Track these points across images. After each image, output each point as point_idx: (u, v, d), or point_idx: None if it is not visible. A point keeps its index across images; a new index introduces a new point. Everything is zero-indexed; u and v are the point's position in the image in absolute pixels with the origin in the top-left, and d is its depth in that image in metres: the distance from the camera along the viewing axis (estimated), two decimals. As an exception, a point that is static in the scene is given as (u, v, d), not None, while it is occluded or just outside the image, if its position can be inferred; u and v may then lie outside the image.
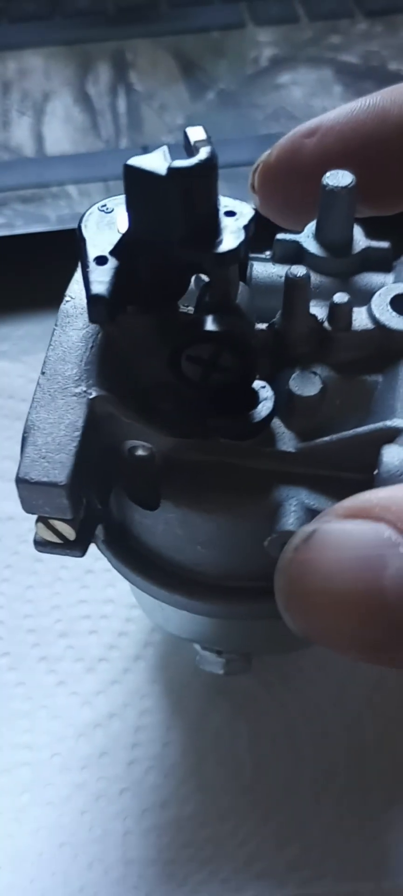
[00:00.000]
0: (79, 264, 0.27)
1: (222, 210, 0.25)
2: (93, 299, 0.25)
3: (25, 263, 0.51)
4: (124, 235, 0.25)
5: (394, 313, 0.27)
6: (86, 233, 0.26)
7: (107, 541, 0.30)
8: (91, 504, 0.27)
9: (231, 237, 0.24)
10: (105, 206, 0.26)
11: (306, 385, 0.27)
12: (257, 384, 0.27)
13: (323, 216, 0.30)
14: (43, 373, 0.27)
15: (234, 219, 0.25)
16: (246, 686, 0.38)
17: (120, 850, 0.35)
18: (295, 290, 0.27)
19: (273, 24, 0.65)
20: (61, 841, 0.35)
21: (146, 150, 0.24)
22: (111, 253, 0.25)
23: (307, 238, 0.31)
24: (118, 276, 0.25)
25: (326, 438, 0.26)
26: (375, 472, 0.24)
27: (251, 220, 0.25)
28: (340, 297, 0.27)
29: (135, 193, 0.24)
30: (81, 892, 0.34)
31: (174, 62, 0.62)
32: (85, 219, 0.26)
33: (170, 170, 0.23)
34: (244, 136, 0.57)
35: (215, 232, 0.24)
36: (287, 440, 0.27)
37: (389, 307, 0.28)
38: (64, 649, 0.39)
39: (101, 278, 0.25)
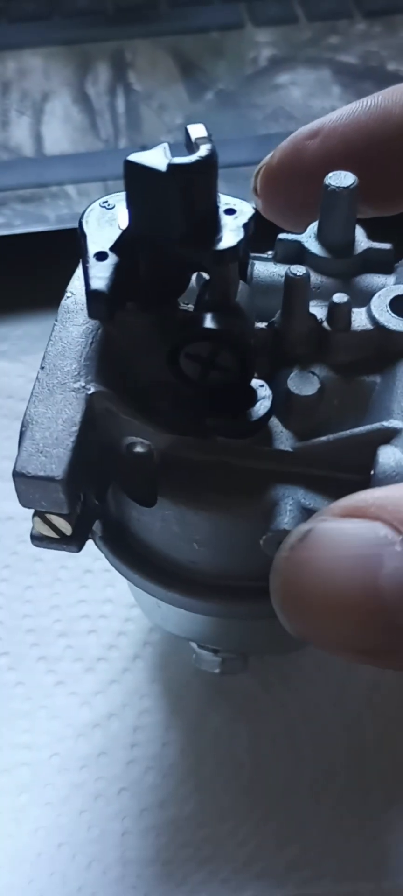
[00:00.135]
0: (81, 260, 0.27)
1: (222, 208, 0.25)
2: (92, 295, 0.25)
3: (24, 263, 0.51)
4: (124, 232, 0.25)
5: (393, 315, 0.27)
6: (86, 229, 0.26)
7: (105, 537, 0.30)
8: (88, 500, 0.27)
9: (230, 235, 0.24)
10: (106, 202, 0.27)
11: (304, 385, 0.27)
12: (255, 383, 0.27)
13: (324, 217, 0.30)
14: (42, 367, 0.27)
15: (234, 217, 0.25)
16: (245, 686, 0.38)
17: (118, 849, 0.35)
18: (294, 290, 0.27)
19: (272, 25, 0.65)
20: (60, 841, 0.35)
21: (145, 149, 0.24)
22: (111, 249, 0.25)
23: (308, 238, 0.31)
24: (118, 272, 0.25)
25: (323, 438, 0.26)
26: (372, 472, 0.24)
27: (251, 219, 0.25)
28: (339, 298, 0.27)
29: (135, 190, 0.24)
30: (80, 892, 0.34)
31: (173, 62, 0.62)
32: (86, 215, 0.26)
33: (170, 166, 0.23)
34: (243, 136, 0.57)
35: (215, 229, 0.24)
36: (284, 439, 0.27)
37: (388, 308, 0.28)
38: (63, 649, 0.39)
39: (101, 274, 0.25)
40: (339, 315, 0.27)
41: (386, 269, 0.30)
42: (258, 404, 0.26)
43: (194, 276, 0.27)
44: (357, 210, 0.30)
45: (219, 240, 0.24)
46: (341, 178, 0.29)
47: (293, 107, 0.59)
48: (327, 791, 0.36)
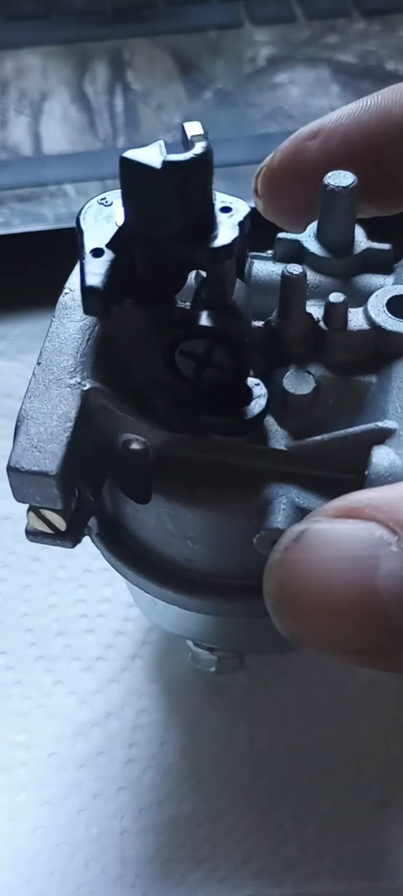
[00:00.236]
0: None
1: (218, 206, 0.25)
2: (87, 291, 0.25)
3: (23, 262, 0.51)
4: (120, 229, 0.25)
5: (390, 315, 0.27)
6: (84, 225, 0.26)
7: (101, 534, 0.30)
8: (83, 496, 0.27)
9: (225, 232, 0.24)
10: (104, 199, 0.27)
11: (299, 384, 0.27)
12: (251, 381, 0.27)
13: (323, 216, 0.30)
14: (39, 363, 0.27)
15: (230, 214, 0.25)
16: (243, 685, 0.38)
17: (117, 849, 0.35)
18: (290, 289, 0.27)
19: (270, 24, 0.65)
20: (58, 840, 0.35)
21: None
22: (107, 246, 0.25)
23: (308, 238, 0.31)
24: (114, 268, 0.25)
25: (317, 438, 0.26)
26: (366, 472, 0.24)
27: (246, 217, 0.25)
28: (335, 297, 0.27)
29: (130, 186, 0.24)
30: (78, 892, 0.34)
31: (171, 61, 0.62)
32: (84, 211, 0.26)
33: (165, 163, 0.23)
34: (241, 135, 0.57)
35: (210, 227, 0.24)
36: (279, 438, 0.27)
37: (385, 309, 0.28)
38: (61, 648, 0.39)
39: (97, 270, 0.25)
40: (335, 314, 0.27)
41: (385, 270, 0.30)
42: (253, 403, 0.26)
43: (193, 275, 0.27)
44: (357, 210, 0.30)
45: (215, 237, 0.24)
46: (340, 178, 0.29)
47: (291, 106, 0.59)
48: (325, 790, 0.36)
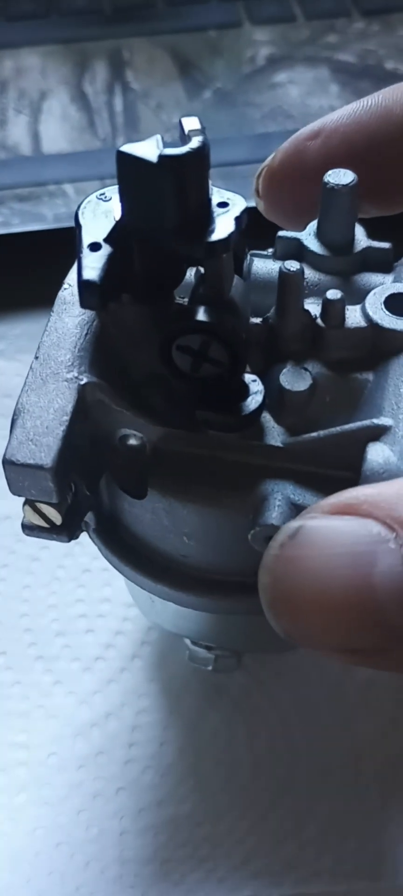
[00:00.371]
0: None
1: (215, 201, 0.25)
2: (84, 284, 0.25)
3: (22, 262, 0.51)
4: (118, 223, 0.25)
5: (387, 312, 0.28)
6: (82, 220, 0.26)
7: (98, 529, 0.30)
8: (79, 490, 0.27)
9: (222, 227, 0.24)
10: (103, 194, 0.27)
11: (296, 380, 0.27)
12: (248, 378, 0.27)
13: (323, 214, 0.30)
14: (36, 357, 0.27)
15: (226, 209, 0.25)
16: (242, 685, 0.38)
17: (116, 849, 0.35)
18: (288, 285, 0.27)
19: (269, 23, 0.65)
20: (58, 840, 0.35)
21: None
22: (105, 240, 0.25)
23: (308, 236, 0.31)
24: (111, 263, 0.25)
25: (313, 434, 0.26)
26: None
27: (243, 212, 0.25)
28: (333, 294, 0.27)
29: (127, 180, 0.24)
30: (78, 892, 0.34)
31: (171, 61, 0.62)
32: (83, 206, 0.26)
33: (161, 157, 0.23)
34: (240, 134, 0.57)
35: (207, 221, 0.24)
36: (275, 435, 0.27)
37: (383, 306, 0.28)
38: (61, 649, 0.39)
39: (94, 264, 0.25)
40: (333, 312, 0.27)
41: (385, 268, 0.30)
42: (249, 399, 0.27)
43: (193, 271, 0.27)
44: (357, 208, 0.30)
45: (211, 232, 0.24)
46: (340, 176, 0.29)
47: (291, 105, 0.59)
48: (324, 790, 0.36)
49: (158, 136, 0.24)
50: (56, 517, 0.27)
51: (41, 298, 0.41)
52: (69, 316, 0.28)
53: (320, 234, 0.31)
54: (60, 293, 0.29)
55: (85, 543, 0.31)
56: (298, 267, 0.27)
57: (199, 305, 0.26)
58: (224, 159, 0.52)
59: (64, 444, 0.25)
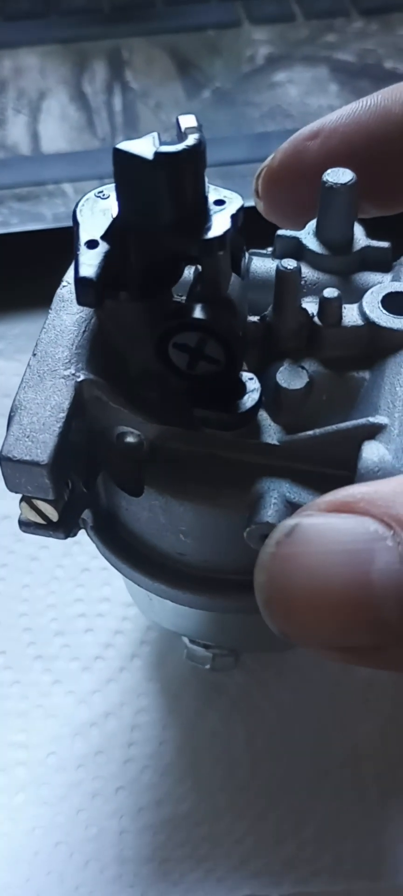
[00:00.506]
0: None
1: (211, 199, 0.25)
2: (81, 281, 0.25)
3: (21, 262, 0.51)
4: (114, 220, 0.25)
5: (384, 311, 0.28)
6: (80, 217, 0.26)
7: (96, 527, 0.30)
8: (76, 487, 0.27)
9: (218, 224, 0.24)
10: (101, 192, 0.27)
11: (293, 378, 0.27)
12: (245, 376, 0.27)
13: (322, 213, 0.30)
14: (34, 354, 0.27)
15: (223, 207, 0.25)
16: (241, 684, 0.38)
17: (115, 848, 0.35)
18: (285, 283, 0.27)
19: (268, 23, 0.65)
20: (57, 840, 0.35)
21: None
22: (102, 237, 0.25)
23: (307, 235, 0.31)
24: (108, 260, 0.25)
25: (309, 433, 0.26)
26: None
27: (239, 209, 0.25)
28: (330, 293, 0.27)
29: (123, 178, 0.25)
30: (77, 891, 0.34)
31: (170, 60, 0.62)
32: (81, 204, 0.27)
33: (157, 154, 0.23)
34: (240, 134, 0.57)
35: (203, 219, 0.25)
36: (272, 433, 0.27)
37: (380, 305, 0.28)
38: (60, 648, 0.39)
39: (91, 261, 0.25)
40: (330, 310, 0.27)
41: (384, 268, 0.30)
42: (246, 397, 0.27)
43: (192, 269, 0.27)
44: (356, 207, 0.30)
45: (208, 229, 0.24)
46: (339, 175, 0.30)
47: (290, 105, 0.59)
48: (323, 789, 0.36)
49: (155, 134, 0.24)
50: (53, 514, 0.27)
51: (40, 298, 0.41)
52: (67, 313, 0.28)
53: (319, 233, 0.31)
54: (59, 290, 0.29)
55: (83, 543, 0.31)
56: (295, 265, 0.27)
57: (196, 303, 0.26)
58: (223, 159, 0.52)
59: (60, 440, 0.26)
